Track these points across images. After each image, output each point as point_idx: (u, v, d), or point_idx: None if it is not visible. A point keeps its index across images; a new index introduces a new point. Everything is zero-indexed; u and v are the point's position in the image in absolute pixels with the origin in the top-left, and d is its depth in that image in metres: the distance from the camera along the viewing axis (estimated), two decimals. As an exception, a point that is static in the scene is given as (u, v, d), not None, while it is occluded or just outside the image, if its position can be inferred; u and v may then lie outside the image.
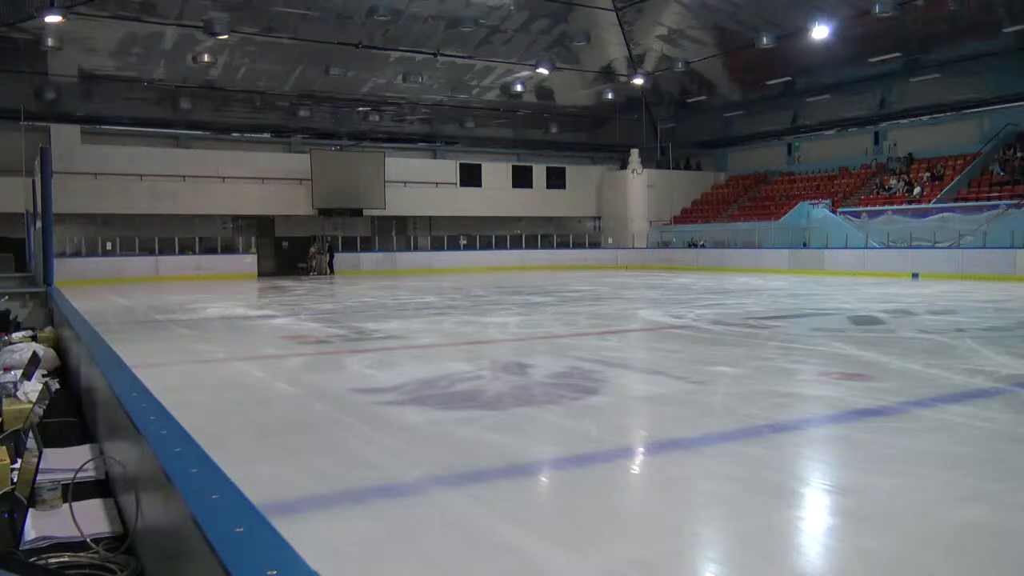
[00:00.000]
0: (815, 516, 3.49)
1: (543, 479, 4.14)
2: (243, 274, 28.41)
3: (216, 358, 8.91)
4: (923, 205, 26.19)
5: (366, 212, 32.36)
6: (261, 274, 29.48)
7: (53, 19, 22.24)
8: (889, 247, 25.23)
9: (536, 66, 30.59)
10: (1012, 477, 3.93)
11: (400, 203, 32.78)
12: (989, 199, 24.53)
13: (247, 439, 4.89)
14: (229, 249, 30.16)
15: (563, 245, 35.87)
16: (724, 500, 3.65)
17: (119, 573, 2.33)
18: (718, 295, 16.74)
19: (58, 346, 7.15)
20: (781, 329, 10.32)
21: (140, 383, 3.06)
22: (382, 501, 3.67)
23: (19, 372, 5.13)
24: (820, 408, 5.72)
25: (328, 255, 30.76)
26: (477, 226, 34.96)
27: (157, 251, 28.06)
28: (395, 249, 33.56)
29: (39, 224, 12.56)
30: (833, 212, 28.49)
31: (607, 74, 33.26)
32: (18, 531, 2.66)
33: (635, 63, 32.10)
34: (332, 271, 30.46)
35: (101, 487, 3.18)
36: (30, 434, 3.59)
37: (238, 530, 1.43)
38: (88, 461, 3.31)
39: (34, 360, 5.37)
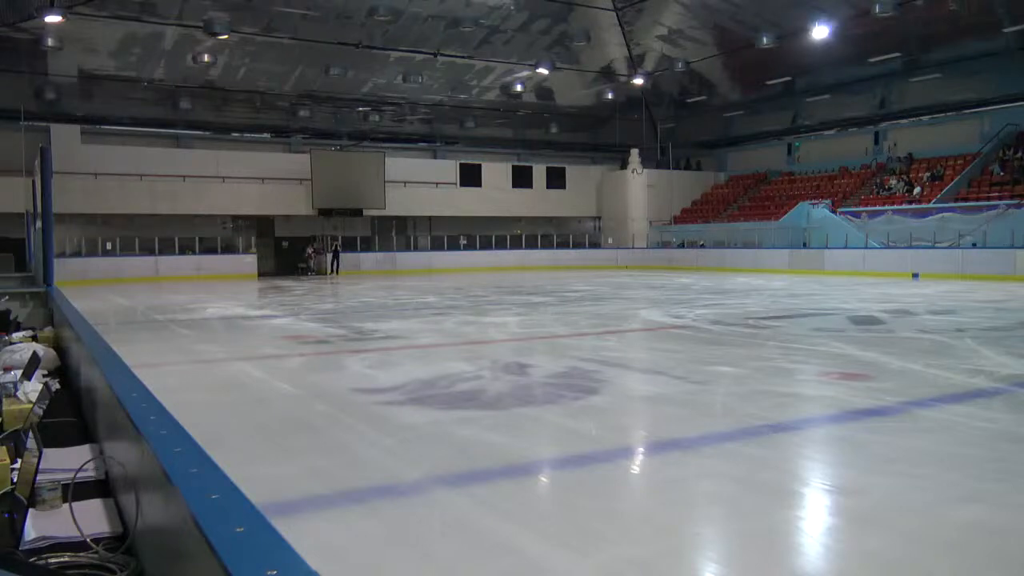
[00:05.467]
0: (815, 516, 3.49)
1: (543, 479, 4.14)
2: (243, 274, 28.41)
3: (216, 358, 8.91)
4: (923, 205, 26.18)
5: (366, 212, 32.36)
6: (261, 274, 29.48)
7: (53, 19, 22.25)
8: (889, 247, 25.23)
9: (536, 66, 30.60)
10: (1012, 477, 3.93)
11: (400, 203, 32.78)
12: (989, 199, 24.52)
13: (247, 439, 4.89)
14: (229, 249, 30.16)
15: (563, 245, 35.86)
16: (724, 500, 3.65)
17: (119, 573, 2.33)
18: (718, 295, 16.74)
19: (58, 346, 7.14)
20: (781, 329, 10.32)
21: (140, 383, 3.06)
22: (382, 501, 3.67)
23: (19, 372, 5.12)
24: (820, 408, 5.72)
25: (333, 256, 30.60)
26: (477, 226, 34.96)
27: (157, 251, 28.05)
28: (395, 249, 33.56)
29: (39, 224, 12.56)
30: (833, 212, 28.48)
31: (607, 74, 33.26)
32: (18, 531, 2.66)
33: (635, 63, 32.10)
34: (337, 272, 30.32)
35: (101, 487, 3.18)
36: (30, 434, 3.59)
37: (238, 530, 1.43)
38: (88, 461, 3.31)
39: (34, 360, 5.37)
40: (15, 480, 3.05)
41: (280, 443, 4.75)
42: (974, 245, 22.96)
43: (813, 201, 29.72)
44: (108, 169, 27.56)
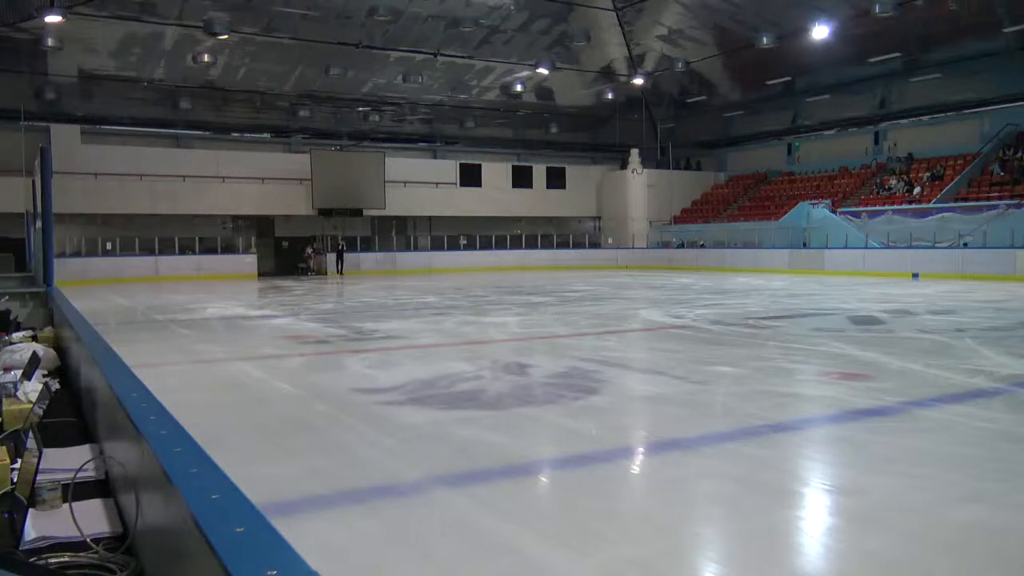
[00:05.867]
0: (815, 516, 3.49)
1: (543, 479, 4.14)
2: (243, 274, 28.41)
3: (216, 358, 8.91)
4: (923, 205, 26.18)
5: (366, 212, 32.36)
6: (261, 274, 29.48)
7: (53, 19, 22.25)
8: (889, 247, 25.23)
9: (536, 66, 30.60)
10: (1012, 477, 3.93)
11: (400, 203, 32.78)
12: (989, 199, 24.53)
13: (247, 439, 4.89)
14: (229, 249, 30.15)
15: (563, 245, 35.86)
16: (724, 500, 3.65)
17: (119, 573, 2.33)
18: (718, 295, 16.74)
19: (58, 346, 7.14)
20: (781, 329, 10.32)
21: (140, 383, 3.06)
22: (382, 501, 3.67)
23: (19, 372, 5.12)
24: (820, 408, 5.72)
25: (338, 256, 30.44)
26: (477, 226, 34.96)
27: (157, 251, 28.05)
28: (395, 249, 33.55)
29: (39, 224, 12.55)
30: (833, 212, 28.48)
31: (607, 74, 33.25)
32: (18, 531, 2.66)
33: (635, 63, 32.10)
34: (342, 272, 30.18)
35: (101, 487, 3.18)
36: (30, 434, 3.59)
37: (238, 530, 1.42)
38: (88, 461, 3.31)
39: (34, 360, 5.37)
40: (15, 480, 3.05)
41: (280, 443, 4.75)
42: (965, 245, 23.01)
43: (813, 201, 29.72)
44: (108, 169, 27.55)
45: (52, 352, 6.59)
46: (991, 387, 6.27)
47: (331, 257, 30.76)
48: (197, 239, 29.47)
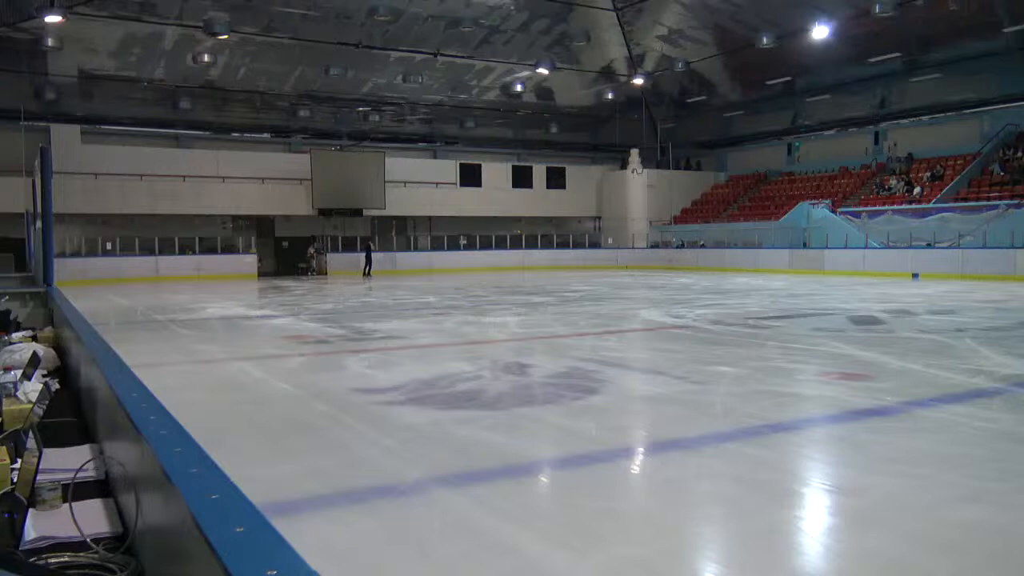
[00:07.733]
0: (815, 516, 3.49)
1: (543, 479, 4.14)
2: (243, 274, 28.39)
3: (216, 358, 8.91)
4: (923, 205, 26.18)
5: (366, 212, 32.35)
6: (261, 274, 29.47)
7: (53, 19, 22.24)
8: (889, 247, 25.23)
9: (536, 66, 30.60)
10: (1012, 477, 3.93)
11: (400, 203, 32.77)
12: (989, 199, 24.52)
13: (247, 439, 4.89)
14: (229, 249, 30.13)
15: (563, 245, 35.85)
16: (724, 500, 3.65)
17: (119, 573, 2.33)
18: (718, 295, 16.74)
19: (58, 346, 7.13)
20: (781, 329, 10.32)
21: (140, 383, 3.06)
22: (382, 501, 3.67)
23: (19, 372, 5.11)
24: (820, 408, 5.72)
25: (366, 257, 29.64)
26: (477, 226, 34.95)
27: (157, 251, 28.02)
28: (395, 249, 33.54)
29: (39, 224, 12.54)
30: (833, 212, 28.48)
31: (607, 74, 33.25)
32: (18, 531, 2.65)
33: (635, 63, 32.10)
34: (368, 273, 29.22)
35: (101, 487, 3.18)
36: (30, 434, 3.59)
37: (238, 530, 1.42)
38: (88, 461, 3.30)
39: (34, 360, 5.36)
40: (15, 480, 3.05)
41: (280, 443, 4.75)
42: (929, 246, 23.06)
43: (813, 201, 29.71)
44: (108, 169, 27.54)
45: (52, 352, 6.58)
46: (991, 387, 6.27)
47: (333, 257, 30.52)
48: (197, 239, 29.45)
